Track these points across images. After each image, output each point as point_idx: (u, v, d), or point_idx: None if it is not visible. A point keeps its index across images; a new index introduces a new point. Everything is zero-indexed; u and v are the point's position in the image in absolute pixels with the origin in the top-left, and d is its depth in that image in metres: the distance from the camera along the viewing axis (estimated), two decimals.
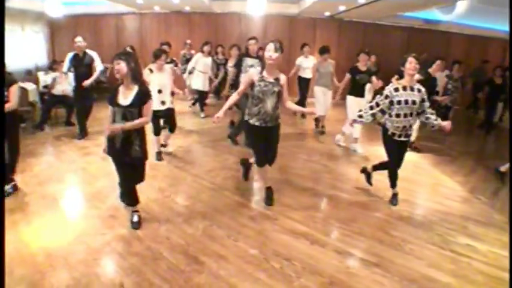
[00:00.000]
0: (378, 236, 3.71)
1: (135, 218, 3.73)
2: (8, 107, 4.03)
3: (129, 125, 3.38)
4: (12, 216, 3.82)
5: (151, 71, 5.33)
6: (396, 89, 4.06)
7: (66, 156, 5.91)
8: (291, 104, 4.16)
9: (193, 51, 9.74)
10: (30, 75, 9.05)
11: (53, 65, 8.84)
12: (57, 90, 7.67)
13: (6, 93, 4.07)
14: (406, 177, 5.44)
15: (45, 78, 8.45)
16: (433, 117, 4.18)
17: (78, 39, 6.53)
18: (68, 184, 4.90)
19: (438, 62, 6.50)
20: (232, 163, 5.61)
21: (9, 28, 9.67)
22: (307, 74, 8.41)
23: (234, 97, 4.08)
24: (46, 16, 10.39)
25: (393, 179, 4.43)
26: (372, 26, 12.04)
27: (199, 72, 8.48)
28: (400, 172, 4.28)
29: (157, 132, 5.59)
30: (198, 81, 8.55)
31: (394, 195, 4.47)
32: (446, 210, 4.41)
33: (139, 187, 3.79)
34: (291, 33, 12.15)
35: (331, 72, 7.33)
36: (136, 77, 3.44)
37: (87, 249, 3.29)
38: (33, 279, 2.86)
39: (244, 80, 4.03)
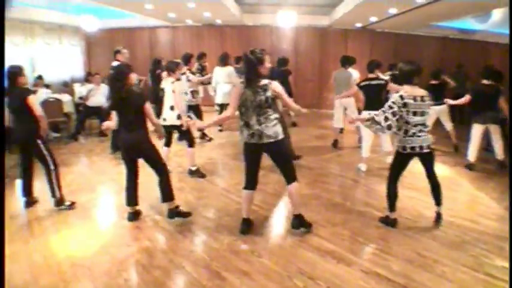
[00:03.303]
0: (408, 256, 3.54)
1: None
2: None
3: None
4: (42, 224, 3.94)
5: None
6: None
7: (98, 167, 6.05)
8: None
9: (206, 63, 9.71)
10: (67, 86, 9.39)
11: (88, 77, 9.13)
12: (92, 101, 7.89)
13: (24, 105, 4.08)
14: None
15: (80, 90, 8.72)
16: None
17: (124, 50, 6.40)
18: (97, 194, 5.02)
19: None
20: (261, 176, 5.53)
21: (48, 41, 10.13)
22: None
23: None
24: (82, 30, 10.81)
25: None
26: (405, 36, 11.78)
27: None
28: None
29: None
30: None
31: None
32: (482, 229, 4.16)
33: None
34: (322, 45, 12.11)
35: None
36: None
37: (112, 260, 3.32)
38: None
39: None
